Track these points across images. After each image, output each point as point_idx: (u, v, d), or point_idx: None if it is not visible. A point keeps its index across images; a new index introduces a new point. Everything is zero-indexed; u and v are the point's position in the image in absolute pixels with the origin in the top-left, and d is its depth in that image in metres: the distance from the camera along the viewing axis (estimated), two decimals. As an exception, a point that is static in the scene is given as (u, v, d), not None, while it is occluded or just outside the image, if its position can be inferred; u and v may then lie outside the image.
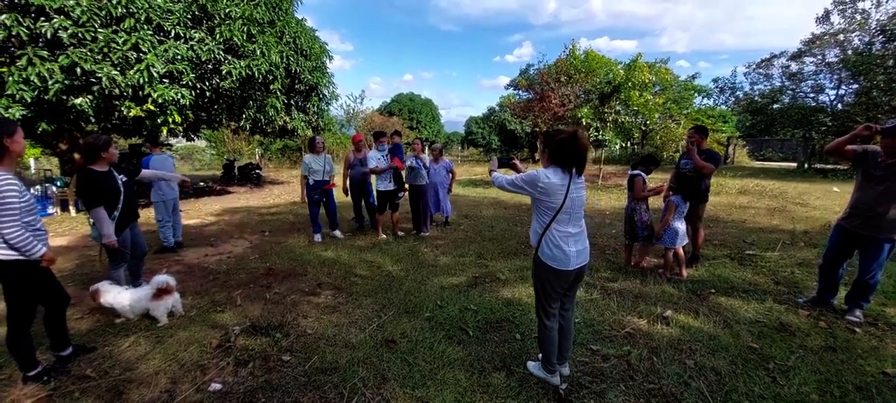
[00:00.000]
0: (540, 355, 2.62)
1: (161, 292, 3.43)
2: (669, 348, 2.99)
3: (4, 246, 2.35)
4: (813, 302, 3.72)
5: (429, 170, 6.44)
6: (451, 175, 7.06)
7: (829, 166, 17.68)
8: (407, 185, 6.48)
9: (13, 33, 6.47)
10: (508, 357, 2.90)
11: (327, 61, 12.00)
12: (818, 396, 2.46)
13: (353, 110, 27.58)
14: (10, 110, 6.66)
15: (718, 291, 4.07)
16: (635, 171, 4.66)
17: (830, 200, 9.78)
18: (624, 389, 2.53)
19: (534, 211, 2.46)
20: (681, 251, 4.41)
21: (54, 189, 9.20)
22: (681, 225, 4.38)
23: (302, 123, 11.94)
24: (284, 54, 9.65)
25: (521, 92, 25.63)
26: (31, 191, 9.49)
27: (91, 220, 3.39)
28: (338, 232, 6.46)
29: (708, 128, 5.04)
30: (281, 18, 9.77)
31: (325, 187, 6.17)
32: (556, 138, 2.32)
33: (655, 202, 6.20)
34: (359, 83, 53.77)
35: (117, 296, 3.41)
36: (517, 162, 2.78)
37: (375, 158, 6.04)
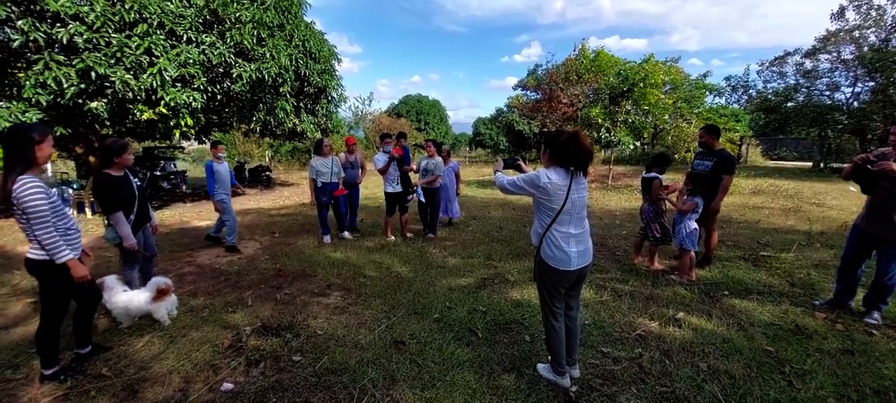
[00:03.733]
0: (549, 357, 2.60)
1: (160, 293, 3.42)
2: (682, 350, 2.95)
3: (39, 246, 2.42)
4: (830, 305, 3.64)
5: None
6: (456, 177, 7.06)
7: (846, 165, 17.33)
8: (417, 187, 6.47)
9: (30, 38, 6.61)
10: (518, 358, 2.88)
11: (336, 64, 12.09)
12: (835, 400, 2.41)
13: (362, 112, 27.75)
14: (26, 114, 6.81)
15: (732, 293, 4.01)
16: (651, 174, 4.62)
17: (848, 200, 9.58)
18: (635, 392, 2.50)
19: (535, 212, 2.46)
20: (692, 253, 4.37)
21: (71, 191, 9.37)
22: (696, 226, 4.35)
23: (311, 126, 12.04)
24: (294, 57, 9.73)
25: (529, 92, 25.54)
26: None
27: (106, 222, 3.44)
28: (346, 234, 6.49)
29: (720, 127, 4.97)
30: (290, 22, 9.87)
31: (336, 193, 6.19)
32: (558, 139, 2.32)
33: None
34: (367, 85, 54.27)
35: (114, 296, 3.30)
36: (522, 163, 2.76)
37: (381, 160, 6.05)
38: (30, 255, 2.46)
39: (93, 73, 6.81)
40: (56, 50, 7.00)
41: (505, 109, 31.31)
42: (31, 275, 2.54)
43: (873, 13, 16.17)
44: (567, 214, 2.31)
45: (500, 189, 2.58)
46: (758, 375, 2.65)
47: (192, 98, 7.77)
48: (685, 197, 4.41)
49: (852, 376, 2.63)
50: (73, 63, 6.81)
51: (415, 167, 6.50)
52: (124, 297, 3.33)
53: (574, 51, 16.03)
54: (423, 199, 6.43)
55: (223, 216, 5.94)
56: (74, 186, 9.60)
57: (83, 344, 2.91)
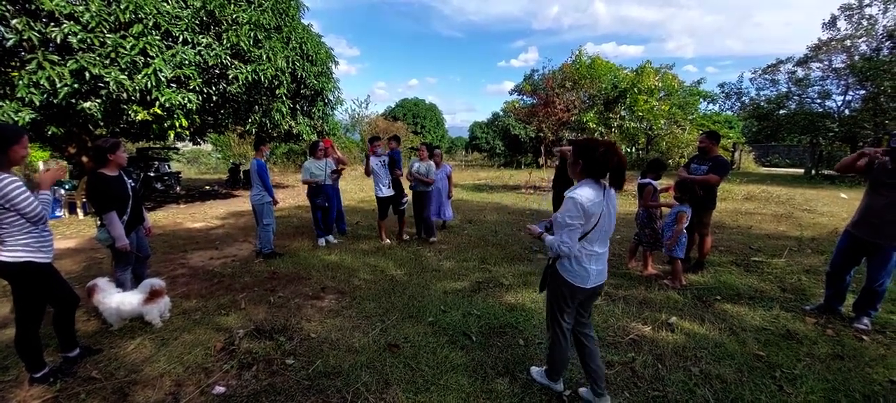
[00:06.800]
0: (546, 368, 2.59)
1: (153, 295, 3.40)
2: (674, 355, 2.97)
3: (14, 248, 2.38)
4: (820, 310, 3.68)
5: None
6: (448, 180, 7.07)
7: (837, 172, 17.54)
8: (410, 190, 6.47)
9: (24, 37, 6.56)
10: (511, 362, 2.89)
11: (333, 66, 12.08)
12: (825, 405, 2.43)
13: (358, 115, 27.70)
14: (19, 113, 6.74)
15: (724, 298, 4.04)
16: (645, 180, 4.67)
17: (838, 206, 9.69)
18: (628, 396, 2.52)
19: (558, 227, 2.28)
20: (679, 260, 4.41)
21: (62, 192, 9.28)
22: (685, 236, 4.40)
23: (307, 128, 12.01)
24: (290, 59, 9.72)
25: (525, 96, 25.63)
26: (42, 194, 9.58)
27: (98, 223, 3.41)
28: (331, 237, 6.42)
29: (720, 134, 5.03)
30: (287, 24, 9.86)
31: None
32: (596, 150, 2.15)
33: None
34: (364, 88, 54.37)
35: (105, 298, 3.27)
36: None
37: (375, 164, 6.05)
38: (2, 258, 2.38)
39: (87, 74, 6.76)
40: (50, 49, 6.94)
41: (501, 114, 31.40)
42: (4, 279, 2.47)
43: (864, 23, 16.43)
44: (598, 231, 2.19)
45: (559, 253, 2.22)
46: (749, 379, 2.67)
47: (187, 99, 7.73)
48: (674, 206, 4.44)
49: (842, 381, 2.66)
50: (67, 63, 6.76)
51: (402, 172, 6.46)
52: (116, 299, 3.30)
53: (570, 57, 16.17)
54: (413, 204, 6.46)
55: (269, 219, 5.49)
56: (66, 187, 9.50)
57: (69, 348, 2.87)
